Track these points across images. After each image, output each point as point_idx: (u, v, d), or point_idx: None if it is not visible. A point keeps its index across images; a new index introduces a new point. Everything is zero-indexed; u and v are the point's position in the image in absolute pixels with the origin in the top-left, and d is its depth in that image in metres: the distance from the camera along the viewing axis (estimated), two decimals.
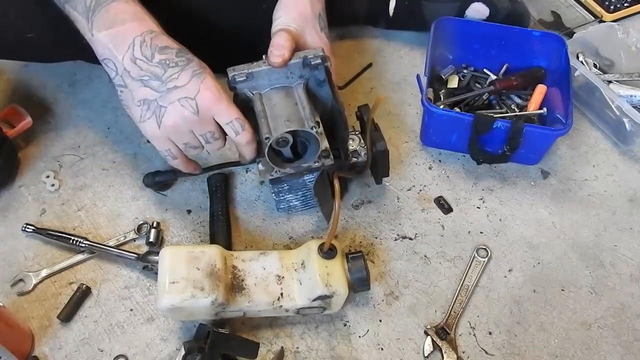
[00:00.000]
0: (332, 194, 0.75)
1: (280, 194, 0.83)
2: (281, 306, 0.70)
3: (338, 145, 0.78)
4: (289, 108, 0.73)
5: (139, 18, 0.68)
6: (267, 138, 0.70)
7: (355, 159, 0.80)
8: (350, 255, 0.74)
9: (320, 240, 0.73)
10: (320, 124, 0.73)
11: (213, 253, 0.70)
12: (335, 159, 0.76)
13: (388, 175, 0.85)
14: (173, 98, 0.68)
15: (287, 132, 0.71)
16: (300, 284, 0.71)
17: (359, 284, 0.73)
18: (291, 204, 0.85)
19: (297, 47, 0.75)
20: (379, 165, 0.82)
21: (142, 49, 0.67)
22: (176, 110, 0.68)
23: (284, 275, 0.72)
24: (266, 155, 0.72)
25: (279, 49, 0.72)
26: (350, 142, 0.80)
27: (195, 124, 0.70)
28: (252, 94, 0.75)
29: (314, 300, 0.70)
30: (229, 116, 0.70)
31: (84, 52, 0.90)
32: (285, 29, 0.74)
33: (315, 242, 0.73)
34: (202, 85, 0.68)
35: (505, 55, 1.01)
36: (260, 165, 0.77)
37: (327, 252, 0.71)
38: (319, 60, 0.73)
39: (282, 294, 0.71)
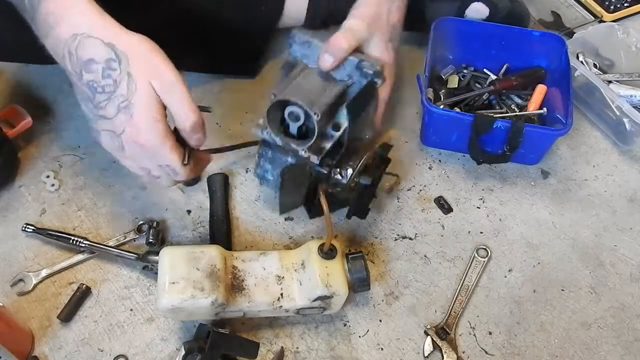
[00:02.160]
0: (320, 209, 0.73)
1: (261, 159, 0.80)
2: (281, 306, 0.70)
3: (339, 164, 0.76)
4: (314, 87, 0.71)
5: (65, 16, 0.60)
6: (274, 95, 0.70)
7: (336, 185, 0.77)
8: (350, 256, 0.74)
9: (320, 240, 0.73)
10: (332, 124, 0.72)
11: (213, 253, 0.70)
12: (325, 167, 0.74)
13: (364, 218, 0.82)
14: (101, 127, 0.65)
15: (297, 107, 0.69)
16: (300, 284, 0.71)
17: (359, 284, 0.73)
18: (266, 175, 0.82)
19: (360, 49, 0.74)
20: (359, 200, 0.78)
21: (71, 63, 0.62)
22: (106, 141, 0.66)
23: (284, 276, 0.72)
24: (265, 111, 0.71)
25: (332, 52, 0.70)
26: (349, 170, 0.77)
27: (125, 159, 0.67)
28: (302, 61, 0.74)
29: (314, 300, 0.70)
30: (161, 158, 0.66)
31: None
32: (351, 29, 0.71)
33: (315, 242, 0.73)
34: (128, 124, 0.63)
35: (505, 55, 1.01)
36: (260, 121, 0.75)
37: (327, 252, 0.71)
38: (371, 72, 0.72)
39: (282, 294, 0.71)
